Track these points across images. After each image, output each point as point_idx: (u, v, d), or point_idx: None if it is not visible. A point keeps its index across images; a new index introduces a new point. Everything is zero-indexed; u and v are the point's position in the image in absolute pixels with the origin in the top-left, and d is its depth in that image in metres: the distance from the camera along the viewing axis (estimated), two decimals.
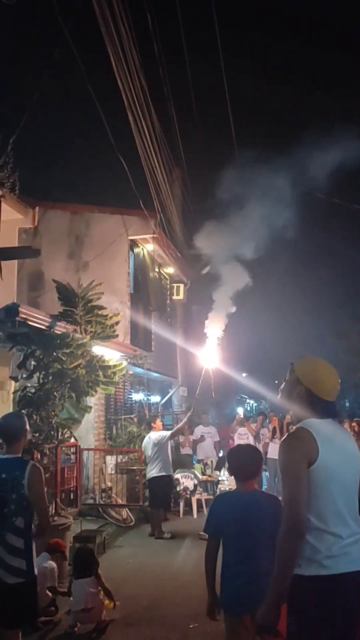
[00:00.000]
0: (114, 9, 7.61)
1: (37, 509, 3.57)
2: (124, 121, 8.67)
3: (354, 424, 11.60)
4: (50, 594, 5.17)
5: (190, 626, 4.84)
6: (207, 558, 3.39)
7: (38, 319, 7.38)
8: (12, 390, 8.06)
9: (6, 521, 3.49)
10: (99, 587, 5.03)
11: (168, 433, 9.32)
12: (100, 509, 9.11)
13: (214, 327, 8.14)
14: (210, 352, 8.26)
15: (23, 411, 7.18)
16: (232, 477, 3.71)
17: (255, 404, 28.81)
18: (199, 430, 12.42)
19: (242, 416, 12.72)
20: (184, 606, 5.22)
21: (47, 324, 7.47)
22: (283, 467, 2.46)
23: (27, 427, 3.83)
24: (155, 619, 5.17)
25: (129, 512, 9.51)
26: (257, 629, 2.55)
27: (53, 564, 5.38)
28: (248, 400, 29.77)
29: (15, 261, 10.05)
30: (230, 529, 3.35)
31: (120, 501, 9.63)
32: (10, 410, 7.40)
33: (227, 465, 3.96)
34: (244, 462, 3.56)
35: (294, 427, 2.59)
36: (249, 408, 26.89)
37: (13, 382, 8.03)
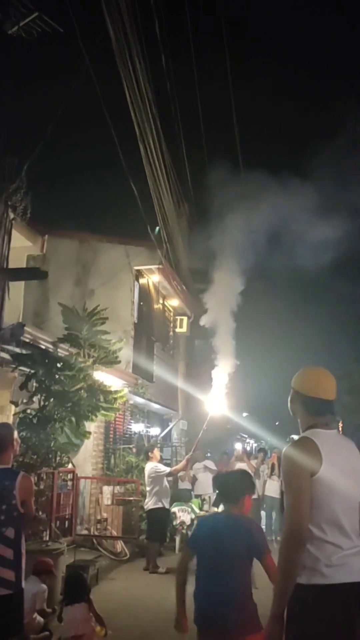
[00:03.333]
0: (132, 49, 7.97)
1: (26, 518, 3.53)
2: (135, 152, 8.93)
3: None
4: (42, 619, 5.02)
5: None
6: (179, 569, 3.44)
7: (42, 340, 7.42)
8: (12, 414, 8.02)
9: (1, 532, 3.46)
10: (91, 613, 4.87)
11: (165, 469, 9.13)
12: (94, 540, 8.90)
13: (220, 374, 8.13)
14: (216, 398, 8.22)
15: (22, 433, 7.13)
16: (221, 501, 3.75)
17: (255, 444, 28.40)
18: (196, 466, 12.23)
19: (240, 452, 12.53)
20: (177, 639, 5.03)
21: (50, 345, 7.51)
22: (286, 475, 2.45)
23: (16, 436, 3.80)
24: None
25: (123, 545, 9.28)
26: None
27: (43, 586, 5.23)
28: (248, 440, 29.39)
29: (22, 285, 10.16)
30: (205, 549, 3.37)
31: (115, 533, 9.41)
32: None
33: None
34: (229, 484, 3.60)
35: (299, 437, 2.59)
36: (248, 448, 26.50)
37: (13, 407, 8.00)
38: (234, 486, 3.56)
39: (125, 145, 8.85)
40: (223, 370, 7.68)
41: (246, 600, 3.25)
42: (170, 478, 10.21)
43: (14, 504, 3.48)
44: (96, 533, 9.10)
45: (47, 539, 6.84)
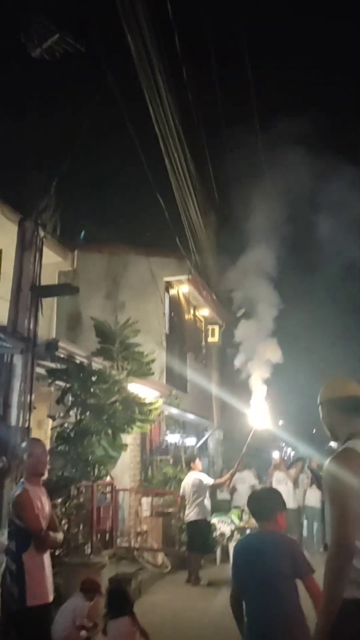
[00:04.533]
0: (152, 62, 8.06)
1: (31, 533, 3.54)
2: (160, 164, 9.00)
3: None
4: (84, 633, 5.00)
5: None
6: (232, 605, 3.34)
7: (76, 354, 7.50)
8: (50, 428, 8.11)
9: (6, 544, 3.60)
10: (135, 627, 4.84)
11: (209, 479, 9.11)
12: (135, 552, 8.87)
13: (259, 386, 8.10)
14: (260, 412, 8.17)
15: (60, 447, 7.21)
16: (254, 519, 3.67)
17: (293, 452, 27.94)
18: (234, 476, 12.07)
19: (278, 460, 12.33)
20: None
21: (84, 359, 7.58)
22: (330, 491, 2.39)
23: (29, 453, 3.82)
24: None
25: (164, 557, 9.22)
26: None
27: (86, 603, 5.20)
28: (285, 448, 28.93)
29: (55, 300, 10.33)
30: (250, 574, 3.27)
31: (155, 545, 9.36)
32: (48, 447, 7.41)
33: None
34: (260, 503, 3.56)
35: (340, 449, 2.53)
36: (285, 457, 26.08)
37: (50, 421, 8.10)
38: (264, 503, 3.53)
39: (150, 157, 8.94)
40: (262, 380, 7.65)
41: (300, 619, 3.15)
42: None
43: (11, 518, 3.58)
44: (136, 545, 9.07)
45: (89, 552, 6.84)
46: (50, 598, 3.57)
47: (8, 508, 3.82)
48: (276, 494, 3.67)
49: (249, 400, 8.42)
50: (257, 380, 8.04)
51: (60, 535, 3.76)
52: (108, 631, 4.81)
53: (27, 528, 3.51)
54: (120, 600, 5.02)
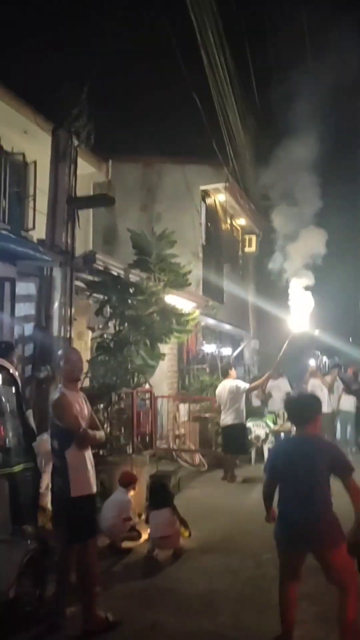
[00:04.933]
0: None
1: (72, 433, 3.79)
2: (198, 63, 8.47)
3: None
4: (129, 523, 5.51)
5: (264, 557, 5.00)
6: (264, 493, 3.67)
7: (113, 266, 7.58)
8: (90, 339, 8.40)
9: (51, 444, 3.89)
10: (175, 517, 5.29)
11: (245, 384, 9.39)
12: (174, 453, 9.43)
13: (299, 291, 7.96)
14: (300, 316, 8.11)
15: (100, 357, 7.51)
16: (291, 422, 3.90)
17: (328, 360, 28.22)
18: (270, 383, 12.37)
19: (314, 367, 12.56)
20: (258, 539, 5.37)
21: (122, 271, 7.67)
22: None
23: (65, 360, 4.00)
24: (230, 549, 5.40)
25: (201, 457, 9.79)
26: (349, 549, 2.86)
27: (128, 497, 5.65)
28: (320, 356, 29.19)
29: (91, 212, 10.29)
30: (286, 472, 3.51)
31: (193, 447, 9.92)
32: (88, 357, 7.72)
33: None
34: (299, 407, 3.69)
35: None
36: (321, 365, 26.35)
37: (90, 332, 8.37)
38: (303, 408, 3.65)
39: (187, 55, 8.40)
40: (302, 286, 7.57)
41: (331, 515, 3.41)
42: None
43: (51, 418, 3.86)
44: (175, 447, 9.63)
45: (131, 452, 7.33)
46: (94, 490, 3.91)
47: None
48: (315, 400, 3.80)
49: (286, 311, 8.43)
50: (297, 278, 7.91)
51: (100, 433, 4.03)
52: (150, 520, 5.29)
53: (68, 427, 3.78)
54: (161, 493, 5.47)
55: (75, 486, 3.74)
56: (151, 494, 5.61)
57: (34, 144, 8.71)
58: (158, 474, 7.39)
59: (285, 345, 8.44)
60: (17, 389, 3.95)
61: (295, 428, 3.75)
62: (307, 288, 7.92)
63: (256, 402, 12.10)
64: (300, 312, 8.01)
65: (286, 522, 3.49)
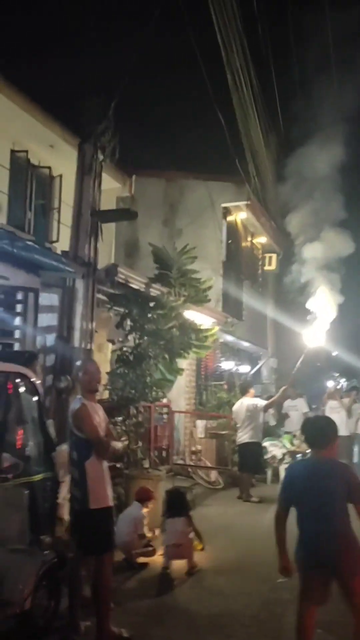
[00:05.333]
0: None
1: (93, 443, 3.76)
2: (223, 83, 8.58)
3: None
4: (144, 538, 5.45)
5: (279, 580, 4.89)
6: (277, 524, 3.55)
7: (135, 279, 7.63)
8: (110, 352, 8.43)
9: (69, 455, 3.87)
10: (190, 527, 5.25)
11: (263, 402, 9.33)
12: (190, 469, 9.36)
13: (320, 307, 7.94)
14: (316, 330, 8.09)
15: (119, 370, 7.52)
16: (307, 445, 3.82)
17: (346, 382, 27.88)
18: (287, 403, 12.26)
19: (332, 389, 12.41)
20: (273, 562, 5.21)
21: (143, 285, 7.71)
22: None
23: (84, 371, 4.01)
24: (244, 570, 5.31)
25: (217, 475, 9.70)
26: None
27: (143, 513, 5.60)
28: (339, 378, 28.87)
29: (114, 226, 10.39)
30: (303, 495, 3.45)
31: (209, 464, 9.83)
32: (108, 370, 7.74)
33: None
34: (316, 431, 3.65)
35: None
36: (339, 386, 26.01)
37: (110, 345, 8.40)
38: (321, 432, 3.61)
39: (212, 75, 8.51)
40: (323, 302, 7.54)
41: (350, 535, 3.35)
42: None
43: (70, 429, 3.84)
44: (191, 463, 9.56)
45: (147, 466, 7.29)
46: (110, 503, 3.89)
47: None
48: (332, 424, 3.75)
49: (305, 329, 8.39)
50: (318, 303, 7.87)
51: (118, 444, 4.04)
52: (166, 528, 5.27)
53: (88, 437, 3.77)
54: (177, 502, 5.49)
55: (93, 498, 3.71)
56: (168, 502, 5.61)
57: (60, 158, 8.87)
58: (174, 490, 7.33)
59: (300, 359, 8.39)
60: (38, 398, 3.96)
61: (311, 450, 3.71)
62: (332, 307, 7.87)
63: (272, 422, 11.98)
64: (317, 326, 8.00)
65: (305, 542, 3.43)
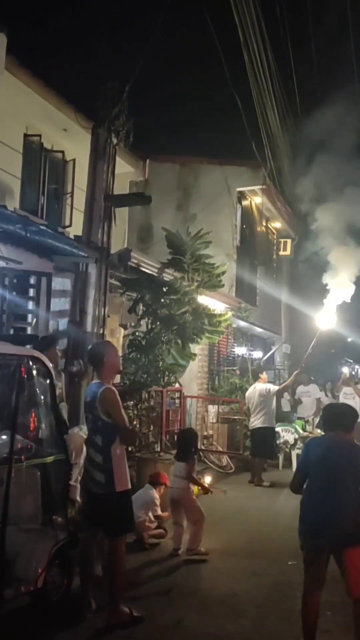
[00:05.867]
0: None
1: (119, 428, 3.81)
2: (239, 67, 8.45)
3: None
4: (154, 519, 5.53)
5: (289, 563, 4.95)
6: (293, 485, 3.70)
7: (148, 264, 7.63)
8: (122, 336, 8.47)
9: (90, 439, 3.90)
10: (189, 473, 5.38)
11: (275, 387, 9.34)
12: (201, 453, 9.42)
13: (334, 291, 7.92)
14: (328, 313, 8.08)
15: (132, 354, 7.57)
16: (325, 429, 3.88)
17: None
18: (300, 389, 12.25)
19: (346, 375, 12.36)
20: (283, 545, 5.32)
21: (156, 270, 7.70)
22: None
23: (109, 354, 4.03)
24: (254, 553, 5.36)
25: (229, 459, 9.75)
26: None
27: (155, 494, 5.69)
28: (353, 364, 28.72)
29: (127, 211, 10.36)
30: (317, 467, 3.52)
31: (221, 449, 9.89)
32: (120, 355, 7.80)
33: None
34: (336, 415, 3.74)
35: None
36: (354, 373, 25.91)
37: (122, 330, 8.44)
38: (345, 416, 3.70)
39: (228, 57, 8.38)
40: (339, 286, 7.50)
41: (356, 513, 3.38)
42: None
43: (97, 414, 3.83)
44: (203, 448, 9.62)
45: (159, 450, 7.36)
46: (129, 485, 3.95)
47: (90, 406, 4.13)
48: (353, 410, 3.85)
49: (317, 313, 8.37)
50: (334, 285, 7.83)
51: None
52: (174, 469, 5.49)
53: (117, 423, 3.81)
54: (181, 446, 5.64)
55: (119, 481, 3.79)
56: (178, 445, 5.81)
57: (74, 142, 8.85)
58: (187, 428, 7.46)
59: (313, 342, 8.37)
60: (51, 382, 4.00)
61: (328, 433, 3.76)
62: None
63: (287, 407, 11.98)
64: (329, 308, 7.99)
65: (309, 517, 3.50)
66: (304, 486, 3.60)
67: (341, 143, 8.29)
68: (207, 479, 7.55)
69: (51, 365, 4.14)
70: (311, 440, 3.98)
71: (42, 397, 3.97)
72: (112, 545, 3.83)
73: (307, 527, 3.51)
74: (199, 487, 5.89)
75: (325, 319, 8.18)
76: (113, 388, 3.92)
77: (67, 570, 3.96)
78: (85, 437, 4.96)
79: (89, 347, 4.47)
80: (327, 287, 7.94)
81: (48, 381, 3.99)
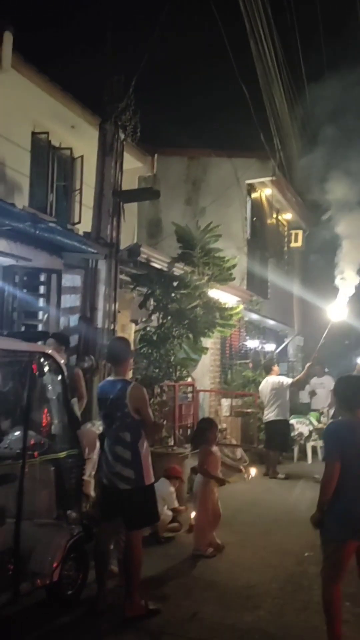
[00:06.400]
0: None
1: (146, 424, 3.86)
2: (246, 57, 8.37)
3: None
4: (170, 513, 5.54)
5: (305, 554, 4.94)
6: (329, 482, 3.27)
7: (158, 259, 7.62)
8: (133, 332, 8.48)
9: (116, 436, 3.86)
10: (200, 465, 5.35)
11: (288, 380, 9.30)
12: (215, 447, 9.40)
13: (345, 279, 7.86)
14: (339, 305, 8.02)
15: (143, 349, 7.57)
16: (340, 406, 3.58)
17: None
18: (314, 381, 12.18)
19: None
20: (299, 537, 5.31)
21: (166, 265, 7.69)
22: None
23: (131, 351, 4.05)
24: (270, 545, 5.35)
25: (243, 452, 9.73)
26: None
27: (171, 488, 5.72)
28: None
29: (136, 206, 10.35)
30: (347, 454, 3.28)
31: (235, 442, 9.87)
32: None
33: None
34: (352, 390, 3.46)
35: None
36: None
37: (133, 325, 8.45)
38: (358, 390, 3.46)
39: (235, 47, 8.31)
40: (350, 278, 7.45)
41: None
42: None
43: (126, 411, 3.83)
44: (217, 441, 9.60)
45: (173, 444, 7.37)
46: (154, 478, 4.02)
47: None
48: None
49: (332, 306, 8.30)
50: (345, 277, 7.77)
51: None
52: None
53: (146, 419, 3.87)
54: (198, 435, 5.63)
55: (147, 475, 3.86)
56: (195, 433, 5.86)
57: (81, 139, 8.84)
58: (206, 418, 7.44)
59: (325, 333, 8.32)
60: (62, 378, 4.02)
61: (344, 413, 3.48)
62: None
63: (306, 399, 11.91)
64: (340, 300, 7.93)
65: (351, 508, 3.25)
66: (340, 479, 3.26)
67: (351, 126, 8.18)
68: (252, 471, 7.53)
69: (62, 361, 4.16)
70: (336, 424, 3.59)
71: (54, 393, 3.99)
72: (131, 538, 3.85)
73: (350, 518, 3.27)
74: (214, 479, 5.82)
75: (336, 310, 8.12)
76: (140, 385, 3.96)
77: (83, 564, 3.98)
78: (98, 432, 4.98)
79: (109, 343, 4.44)
80: (340, 277, 7.88)
81: (60, 377, 4.01)
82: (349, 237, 7.81)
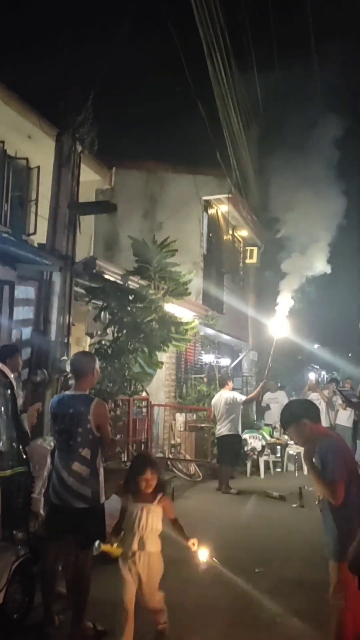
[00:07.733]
0: None
1: (104, 441, 3.80)
2: (203, 76, 8.53)
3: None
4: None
5: (256, 570, 4.95)
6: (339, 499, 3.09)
7: (113, 273, 7.59)
8: (88, 345, 8.39)
9: (74, 452, 3.76)
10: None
11: (242, 396, 9.39)
12: (169, 462, 9.38)
13: (285, 296, 8.12)
14: (280, 321, 8.23)
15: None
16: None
17: (327, 375, 28.23)
18: (267, 396, 12.35)
19: (314, 382, 12.54)
20: (251, 553, 5.34)
21: (121, 278, 7.67)
22: None
23: (96, 366, 4.00)
24: (222, 561, 5.29)
25: (196, 467, 9.74)
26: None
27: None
28: (319, 371, 29.22)
29: (93, 219, 10.30)
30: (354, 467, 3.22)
31: (188, 457, 9.87)
32: None
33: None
34: (289, 409, 3.62)
35: None
36: (320, 379, 26.38)
37: (88, 338, 8.37)
38: (294, 410, 3.57)
39: (193, 67, 8.46)
40: (288, 293, 7.67)
41: None
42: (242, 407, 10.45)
43: (88, 427, 3.75)
44: (170, 456, 9.58)
45: (125, 459, 7.29)
46: None
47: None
48: (309, 404, 3.70)
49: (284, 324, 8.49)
50: (285, 292, 8.07)
51: None
52: None
53: (105, 437, 3.79)
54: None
55: (102, 493, 3.81)
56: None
57: (38, 149, 8.75)
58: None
59: (272, 349, 8.48)
60: (12, 392, 3.92)
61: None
62: (301, 304, 8.07)
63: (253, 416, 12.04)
64: (280, 317, 8.17)
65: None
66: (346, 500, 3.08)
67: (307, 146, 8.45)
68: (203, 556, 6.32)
69: (12, 375, 4.05)
70: (335, 440, 3.40)
71: (2, 408, 3.88)
72: (81, 557, 3.76)
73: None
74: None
75: (277, 327, 8.33)
76: (103, 402, 3.89)
77: (29, 586, 3.85)
78: (49, 448, 4.86)
79: (73, 356, 4.33)
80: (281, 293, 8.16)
81: (9, 392, 3.90)
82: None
